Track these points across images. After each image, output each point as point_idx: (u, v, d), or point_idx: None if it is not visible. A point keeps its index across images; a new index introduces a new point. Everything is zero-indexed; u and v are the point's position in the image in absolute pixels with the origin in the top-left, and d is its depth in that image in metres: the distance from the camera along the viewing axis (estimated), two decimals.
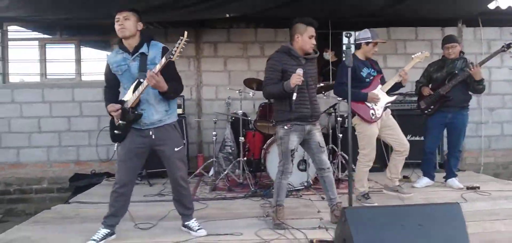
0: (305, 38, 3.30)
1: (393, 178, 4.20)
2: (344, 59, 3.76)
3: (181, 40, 2.68)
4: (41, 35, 6.56)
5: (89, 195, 4.89)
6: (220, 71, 6.53)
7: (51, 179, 6.43)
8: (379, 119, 3.94)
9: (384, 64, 6.53)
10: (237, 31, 6.56)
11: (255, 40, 6.58)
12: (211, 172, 5.65)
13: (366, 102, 3.91)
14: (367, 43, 3.96)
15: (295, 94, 3.09)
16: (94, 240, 2.92)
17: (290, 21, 3.41)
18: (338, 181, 5.15)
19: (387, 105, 4.03)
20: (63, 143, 6.41)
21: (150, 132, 2.98)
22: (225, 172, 5.16)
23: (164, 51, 2.91)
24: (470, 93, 4.65)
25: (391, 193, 4.21)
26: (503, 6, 6.13)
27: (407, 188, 4.50)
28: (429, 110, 4.71)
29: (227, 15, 5.40)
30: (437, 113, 4.68)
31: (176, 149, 3.06)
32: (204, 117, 6.46)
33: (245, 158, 5.14)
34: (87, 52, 6.74)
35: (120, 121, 2.93)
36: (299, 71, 3.17)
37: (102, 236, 2.96)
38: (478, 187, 4.55)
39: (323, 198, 4.31)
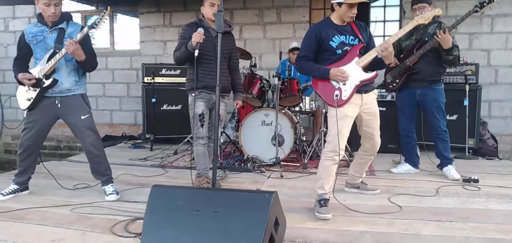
0: (206, 8, 3.35)
1: (355, 176, 3.42)
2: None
3: (105, 13, 3.02)
4: (82, 7, 7.12)
5: None
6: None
7: None
8: (345, 103, 2.89)
9: None
10: None
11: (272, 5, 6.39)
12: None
13: (331, 80, 2.93)
14: (339, 4, 2.91)
15: (196, 51, 3.12)
16: (1, 193, 3.21)
17: None
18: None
19: (364, 84, 2.92)
20: (100, 107, 7.09)
21: (56, 101, 3.16)
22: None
23: (82, 29, 3.10)
24: (444, 65, 3.86)
25: (353, 191, 3.44)
26: None
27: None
28: (395, 84, 4.00)
29: None
30: (405, 90, 3.97)
31: (82, 117, 3.20)
32: None
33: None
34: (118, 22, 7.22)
35: (32, 89, 3.12)
36: (200, 30, 3.19)
37: (10, 191, 3.24)
38: (477, 180, 3.68)
39: (282, 176, 4.02)
